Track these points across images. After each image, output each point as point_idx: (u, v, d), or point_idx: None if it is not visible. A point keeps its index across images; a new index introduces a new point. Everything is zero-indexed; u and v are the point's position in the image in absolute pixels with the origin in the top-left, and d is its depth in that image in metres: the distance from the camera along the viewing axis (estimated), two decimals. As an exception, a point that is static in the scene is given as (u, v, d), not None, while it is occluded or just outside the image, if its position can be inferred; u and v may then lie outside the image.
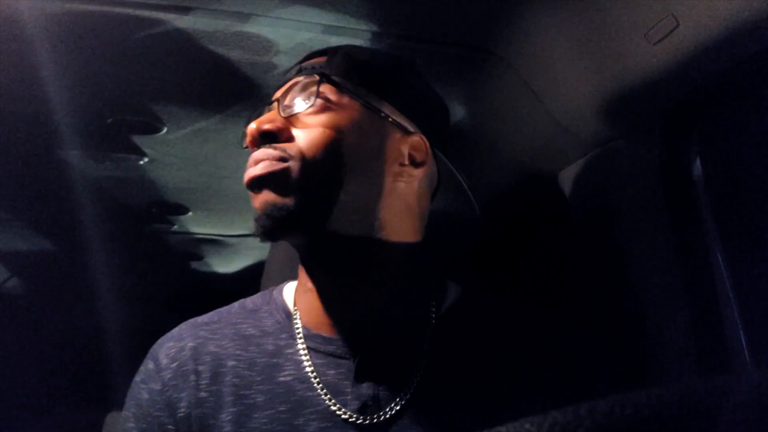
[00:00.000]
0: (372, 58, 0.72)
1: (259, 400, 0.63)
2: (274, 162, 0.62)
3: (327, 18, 0.82)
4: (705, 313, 0.78)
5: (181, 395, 0.64)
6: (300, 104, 0.66)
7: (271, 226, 0.62)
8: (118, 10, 0.78)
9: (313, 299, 0.67)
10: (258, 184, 0.63)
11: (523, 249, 1.37)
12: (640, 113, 0.82)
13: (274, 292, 0.74)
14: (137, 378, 0.69)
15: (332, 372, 0.64)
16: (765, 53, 0.65)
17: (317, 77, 0.65)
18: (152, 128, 1.13)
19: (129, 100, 1.02)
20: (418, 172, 0.68)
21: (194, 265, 2.39)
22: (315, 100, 0.64)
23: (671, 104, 0.79)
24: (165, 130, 1.13)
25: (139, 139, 1.19)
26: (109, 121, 1.09)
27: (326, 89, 0.65)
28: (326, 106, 0.65)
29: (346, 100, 0.66)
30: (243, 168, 0.65)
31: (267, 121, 0.65)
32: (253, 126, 0.64)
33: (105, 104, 1.04)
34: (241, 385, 0.64)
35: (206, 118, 1.10)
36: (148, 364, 0.68)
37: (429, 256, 0.71)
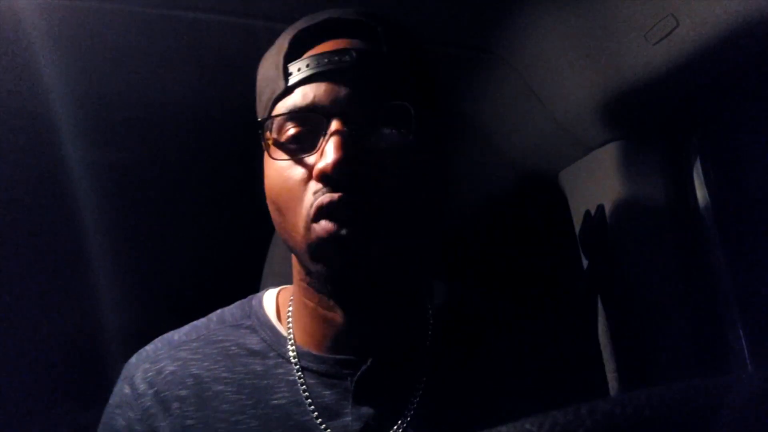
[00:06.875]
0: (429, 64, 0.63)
1: (253, 425, 0.59)
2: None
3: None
4: (705, 313, 0.78)
5: (162, 424, 0.60)
6: (388, 136, 0.55)
7: (348, 279, 0.56)
8: (119, 6, 0.79)
9: (309, 317, 0.62)
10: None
11: (522, 249, 1.37)
12: (640, 113, 0.82)
13: (254, 304, 0.69)
14: (112, 401, 0.65)
15: (328, 393, 0.60)
16: (765, 53, 0.65)
17: (405, 107, 0.54)
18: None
19: (131, 96, 1.02)
20: None
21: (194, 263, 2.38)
22: (411, 138, 0.54)
23: (671, 104, 0.79)
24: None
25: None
26: (113, 117, 1.09)
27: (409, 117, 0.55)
28: (417, 140, 0.55)
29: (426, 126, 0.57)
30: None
31: (353, 158, 0.52)
32: (331, 160, 0.51)
33: (108, 101, 1.04)
34: (232, 410, 0.60)
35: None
36: (124, 389, 0.64)
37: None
